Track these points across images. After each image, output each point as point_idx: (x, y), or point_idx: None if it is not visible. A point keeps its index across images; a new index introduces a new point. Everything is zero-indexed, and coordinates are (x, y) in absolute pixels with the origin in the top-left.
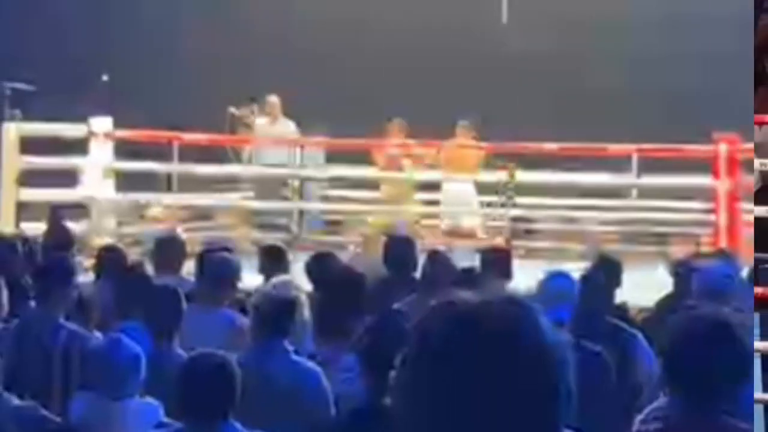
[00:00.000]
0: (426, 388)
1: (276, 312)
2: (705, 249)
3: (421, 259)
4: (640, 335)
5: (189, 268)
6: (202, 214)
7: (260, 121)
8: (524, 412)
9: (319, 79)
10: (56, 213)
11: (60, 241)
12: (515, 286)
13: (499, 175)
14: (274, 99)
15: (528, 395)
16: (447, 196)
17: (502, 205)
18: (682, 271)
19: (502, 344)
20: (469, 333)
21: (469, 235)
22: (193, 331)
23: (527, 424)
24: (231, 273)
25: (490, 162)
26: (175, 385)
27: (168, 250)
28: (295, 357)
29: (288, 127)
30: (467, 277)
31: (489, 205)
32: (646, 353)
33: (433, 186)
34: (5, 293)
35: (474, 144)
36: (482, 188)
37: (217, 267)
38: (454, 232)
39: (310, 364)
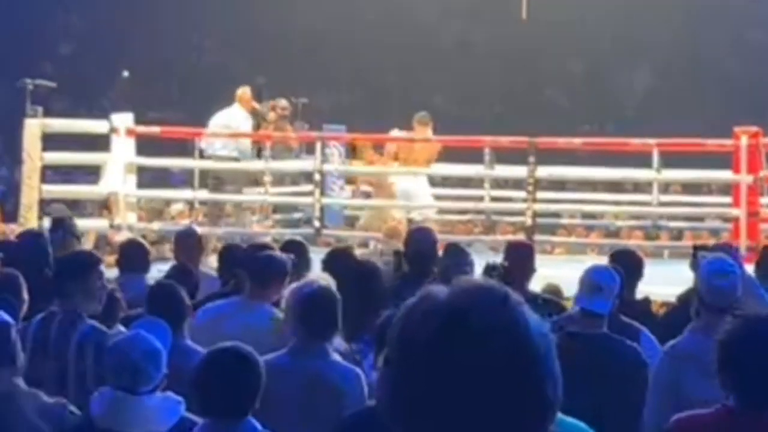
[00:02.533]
0: (410, 388)
1: (321, 313)
2: (709, 243)
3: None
4: (645, 330)
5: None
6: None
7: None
8: (513, 407)
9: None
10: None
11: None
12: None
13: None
14: (283, 102)
15: (517, 389)
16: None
17: (524, 200)
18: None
19: (488, 339)
20: (454, 329)
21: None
22: (235, 324)
23: (512, 417)
24: (281, 270)
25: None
26: (194, 379)
27: (186, 244)
28: (336, 358)
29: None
30: (489, 271)
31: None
32: (654, 349)
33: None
34: (26, 289)
35: (438, 138)
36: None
37: (266, 264)
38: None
39: (350, 365)
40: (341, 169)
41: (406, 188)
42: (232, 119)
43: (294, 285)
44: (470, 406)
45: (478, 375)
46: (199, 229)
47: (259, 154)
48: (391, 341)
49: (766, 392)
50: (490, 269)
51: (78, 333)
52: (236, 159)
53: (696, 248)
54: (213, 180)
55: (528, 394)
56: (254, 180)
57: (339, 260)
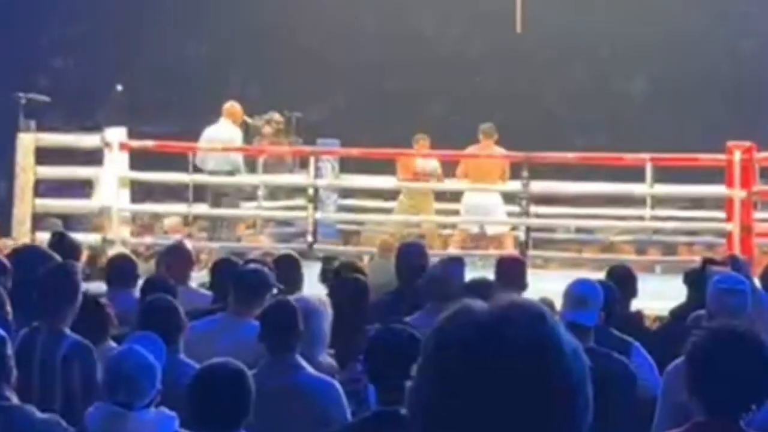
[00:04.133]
0: (443, 398)
1: (280, 326)
2: (718, 257)
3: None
4: (637, 344)
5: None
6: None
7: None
8: (543, 424)
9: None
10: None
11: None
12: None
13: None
14: (277, 116)
15: (548, 407)
16: (468, 206)
17: (518, 215)
18: (696, 280)
19: (523, 355)
20: (489, 342)
21: (496, 244)
22: (226, 341)
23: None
24: (263, 285)
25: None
26: (189, 394)
27: (175, 259)
28: (309, 370)
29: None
30: (479, 287)
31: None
32: (645, 363)
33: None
34: (9, 302)
35: (491, 153)
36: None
37: (252, 278)
38: (477, 242)
39: (324, 376)
40: (335, 184)
41: (476, 203)
42: (220, 134)
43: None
44: (500, 420)
45: (510, 389)
46: (190, 244)
47: (252, 168)
48: (426, 352)
49: (733, 405)
50: (477, 283)
51: (63, 348)
52: (230, 173)
53: (705, 262)
54: (212, 195)
55: (557, 412)
56: (248, 194)
57: (332, 273)
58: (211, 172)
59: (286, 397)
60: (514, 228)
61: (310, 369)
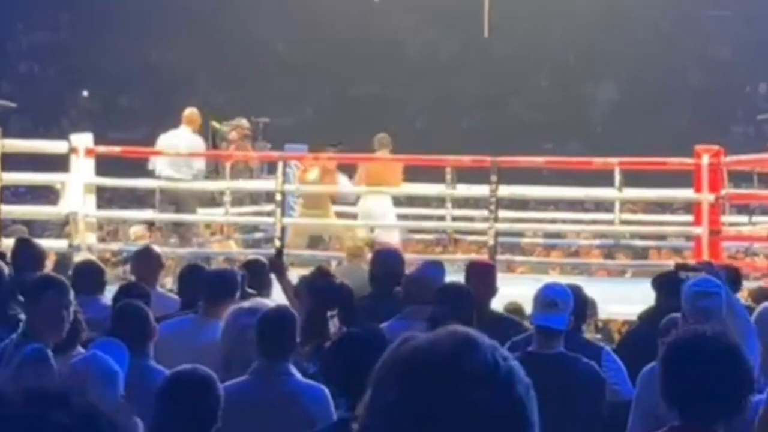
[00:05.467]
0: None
1: (280, 333)
2: (690, 262)
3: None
4: (607, 348)
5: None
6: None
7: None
8: None
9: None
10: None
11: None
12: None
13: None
14: (244, 122)
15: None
16: (361, 210)
17: (486, 219)
18: (665, 284)
19: (459, 384)
20: (425, 384)
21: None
22: (192, 344)
23: None
24: (231, 286)
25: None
26: (156, 402)
27: (143, 263)
28: (299, 377)
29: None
30: (451, 292)
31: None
32: (616, 368)
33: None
34: None
35: (398, 157)
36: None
37: (221, 279)
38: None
39: (315, 383)
40: (303, 189)
41: (369, 207)
42: (180, 140)
43: (239, 308)
44: None
45: (457, 422)
46: (158, 249)
47: (215, 174)
48: (373, 388)
49: (707, 409)
50: (449, 289)
51: (24, 352)
52: (191, 180)
53: (678, 267)
54: (171, 204)
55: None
56: (213, 200)
57: (321, 281)
58: (168, 179)
59: (277, 404)
60: (482, 233)
61: (299, 376)
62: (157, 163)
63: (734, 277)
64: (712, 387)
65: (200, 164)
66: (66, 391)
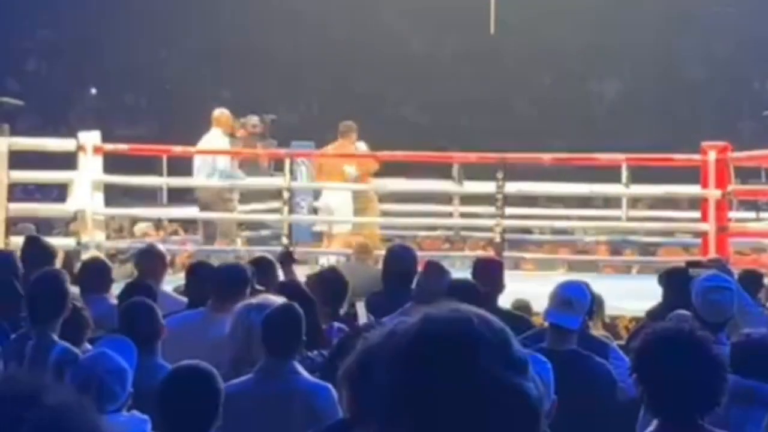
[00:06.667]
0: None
1: (286, 331)
2: (700, 259)
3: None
4: (614, 345)
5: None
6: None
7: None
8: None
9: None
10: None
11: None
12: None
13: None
14: (256, 119)
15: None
16: (320, 205)
17: (493, 216)
18: (672, 281)
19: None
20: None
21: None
22: (202, 338)
23: None
24: (241, 281)
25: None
26: (158, 397)
27: (147, 262)
28: (305, 375)
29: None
30: (459, 289)
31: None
32: (623, 365)
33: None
34: None
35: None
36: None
37: (231, 274)
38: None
39: (320, 381)
40: (310, 186)
41: (327, 203)
42: (212, 143)
43: (248, 304)
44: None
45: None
46: (163, 247)
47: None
48: (352, 374)
49: (682, 408)
50: (459, 284)
51: (54, 353)
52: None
53: (689, 264)
54: (202, 210)
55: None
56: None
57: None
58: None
59: (283, 403)
60: (489, 230)
61: (305, 374)
62: (194, 171)
63: (755, 280)
64: (686, 385)
65: (223, 164)
66: (38, 388)
